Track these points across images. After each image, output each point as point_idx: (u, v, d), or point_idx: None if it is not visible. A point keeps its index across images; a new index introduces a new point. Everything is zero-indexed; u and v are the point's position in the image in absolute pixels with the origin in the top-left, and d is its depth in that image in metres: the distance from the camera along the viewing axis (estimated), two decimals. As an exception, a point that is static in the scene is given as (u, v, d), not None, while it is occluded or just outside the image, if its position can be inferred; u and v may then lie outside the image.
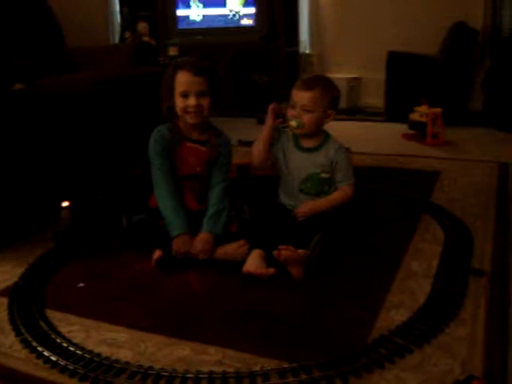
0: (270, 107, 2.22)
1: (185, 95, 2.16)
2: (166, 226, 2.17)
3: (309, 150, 2.24)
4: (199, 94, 2.16)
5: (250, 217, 2.31)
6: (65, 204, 2.05)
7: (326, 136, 2.26)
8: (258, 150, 2.27)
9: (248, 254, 2.07)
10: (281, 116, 2.25)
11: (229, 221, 2.25)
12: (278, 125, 2.26)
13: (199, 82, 2.16)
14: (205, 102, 2.17)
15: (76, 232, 2.39)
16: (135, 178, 2.76)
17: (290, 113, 2.20)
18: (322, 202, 2.23)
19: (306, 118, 2.17)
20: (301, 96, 2.17)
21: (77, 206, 2.39)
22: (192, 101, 2.16)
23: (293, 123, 2.18)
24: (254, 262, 2.01)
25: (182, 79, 2.16)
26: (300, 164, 2.25)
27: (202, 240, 2.15)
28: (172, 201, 2.19)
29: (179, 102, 2.18)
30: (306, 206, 2.22)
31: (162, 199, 2.20)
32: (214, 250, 2.15)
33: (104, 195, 2.41)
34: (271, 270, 1.98)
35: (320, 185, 2.24)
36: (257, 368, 1.48)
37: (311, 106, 2.16)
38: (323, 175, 2.23)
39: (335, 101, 2.23)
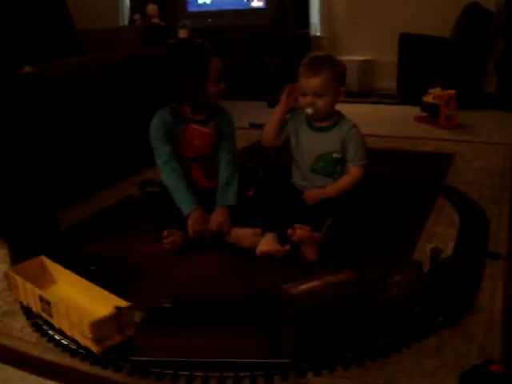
0: (287, 87, 2.17)
1: (218, 80, 2.17)
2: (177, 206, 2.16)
3: (321, 130, 2.19)
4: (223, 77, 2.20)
5: (264, 175, 2.37)
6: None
7: (340, 116, 2.21)
8: (269, 128, 2.23)
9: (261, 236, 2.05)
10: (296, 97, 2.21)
11: (245, 186, 2.28)
12: (293, 106, 2.21)
13: (223, 64, 2.19)
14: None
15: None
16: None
17: (303, 100, 2.13)
18: (328, 190, 2.17)
19: (321, 103, 2.11)
20: (311, 83, 2.09)
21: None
22: (223, 84, 2.19)
23: (309, 111, 2.12)
24: (267, 243, 2.00)
25: (217, 65, 2.15)
26: (312, 144, 2.20)
27: (216, 215, 2.15)
28: (180, 182, 2.16)
29: (213, 88, 2.16)
30: (313, 193, 2.18)
31: (170, 182, 2.18)
32: (230, 227, 2.14)
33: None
34: (287, 247, 1.96)
35: (332, 165, 2.19)
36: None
37: (324, 90, 2.09)
38: (335, 155, 2.17)
39: (343, 76, 2.17)
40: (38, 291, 1.65)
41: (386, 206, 2.47)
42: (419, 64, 4.70)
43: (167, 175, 2.18)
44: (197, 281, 1.92)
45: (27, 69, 2.67)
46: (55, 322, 1.61)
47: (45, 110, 2.51)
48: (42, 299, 1.63)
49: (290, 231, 1.93)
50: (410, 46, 4.75)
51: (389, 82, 5.13)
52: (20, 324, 1.69)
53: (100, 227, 2.41)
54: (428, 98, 4.09)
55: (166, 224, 2.16)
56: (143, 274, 1.98)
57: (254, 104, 5.00)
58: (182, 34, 5.08)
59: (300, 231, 1.93)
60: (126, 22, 5.83)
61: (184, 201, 2.14)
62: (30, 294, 1.69)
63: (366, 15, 5.45)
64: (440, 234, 2.14)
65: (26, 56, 3.01)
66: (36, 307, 1.68)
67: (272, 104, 4.81)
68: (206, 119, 2.25)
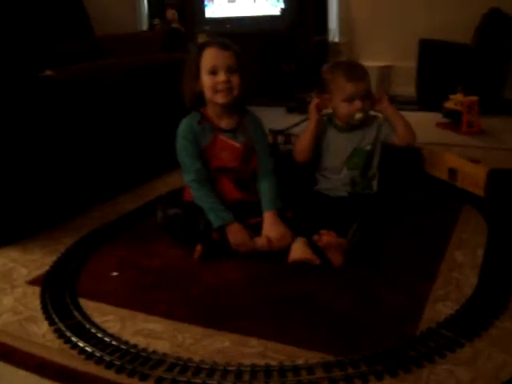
0: (314, 103, 2.19)
1: (214, 72, 2.05)
2: (204, 221, 2.05)
3: (352, 128, 2.23)
4: (229, 70, 2.05)
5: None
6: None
7: None
8: (303, 145, 2.24)
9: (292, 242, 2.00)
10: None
11: (284, 207, 2.14)
12: (322, 118, 2.24)
13: (227, 56, 2.06)
14: (235, 78, 2.07)
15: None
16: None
17: (350, 108, 2.15)
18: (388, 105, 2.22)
19: (368, 105, 2.18)
20: (362, 87, 2.15)
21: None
22: (221, 76, 2.04)
23: (359, 116, 2.16)
24: (299, 250, 1.96)
25: (210, 55, 2.06)
26: (343, 144, 2.23)
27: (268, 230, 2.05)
28: (210, 197, 2.07)
29: (208, 81, 2.05)
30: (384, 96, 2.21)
31: (200, 199, 2.08)
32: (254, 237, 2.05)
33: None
34: (317, 261, 1.92)
35: (367, 158, 2.23)
36: (301, 361, 1.43)
37: (369, 92, 2.19)
38: (368, 148, 2.23)
39: None
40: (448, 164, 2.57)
41: (411, 212, 2.42)
42: (439, 70, 4.64)
43: (196, 193, 2.09)
44: (219, 284, 1.89)
45: (48, 72, 2.65)
46: (459, 184, 2.54)
47: (65, 113, 2.50)
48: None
49: (315, 237, 1.91)
50: (430, 51, 4.70)
51: (408, 88, 5.07)
52: (42, 330, 1.65)
53: (122, 232, 2.38)
54: (450, 104, 4.03)
55: (194, 239, 2.09)
56: (166, 277, 1.96)
57: (273, 110, 4.95)
58: (201, 38, 5.06)
59: (326, 237, 1.90)
60: (145, 28, 5.82)
61: (216, 215, 2.03)
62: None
63: (385, 21, 5.40)
64: (468, 241, 2.09)
65: (46, 60, 3.00)
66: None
67: (291, 110, 4.80)
68: (235, 130, 2.16)
